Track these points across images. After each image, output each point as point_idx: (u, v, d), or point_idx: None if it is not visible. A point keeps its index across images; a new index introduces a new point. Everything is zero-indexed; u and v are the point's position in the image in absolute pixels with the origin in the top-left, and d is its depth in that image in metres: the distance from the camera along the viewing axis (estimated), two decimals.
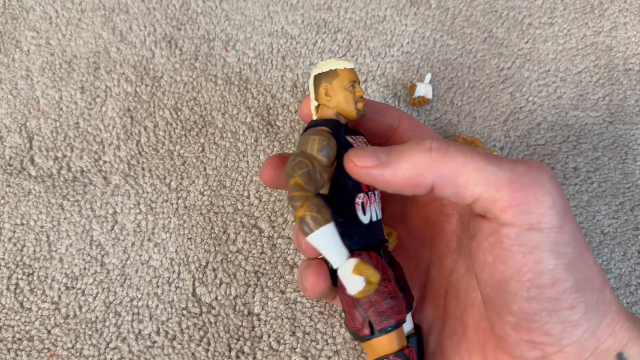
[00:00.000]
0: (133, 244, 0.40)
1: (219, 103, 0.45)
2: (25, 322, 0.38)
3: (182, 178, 0.42)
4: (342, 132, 0.27)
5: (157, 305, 0.38)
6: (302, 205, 0.24)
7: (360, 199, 0.27)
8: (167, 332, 0.38)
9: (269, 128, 0.44)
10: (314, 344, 0.37)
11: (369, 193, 0.28)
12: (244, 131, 0.44)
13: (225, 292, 0.39)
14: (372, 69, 0.46)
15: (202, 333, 0.38)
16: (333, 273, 0.27)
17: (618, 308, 0.23)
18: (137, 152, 0.43)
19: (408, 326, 0.28)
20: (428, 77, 0.44)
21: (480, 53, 0.47)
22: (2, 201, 0.41)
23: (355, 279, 0.23)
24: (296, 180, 0.24)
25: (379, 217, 0.28)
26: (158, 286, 0.39)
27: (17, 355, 0.37)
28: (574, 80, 0.47)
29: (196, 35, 0.47)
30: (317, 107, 0.29)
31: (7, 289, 0.39)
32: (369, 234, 0.27)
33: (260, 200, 0.42)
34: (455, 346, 0.28)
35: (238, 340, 0.38)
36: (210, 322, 0.38)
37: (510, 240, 0.22)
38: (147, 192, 0.42)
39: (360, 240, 0.27)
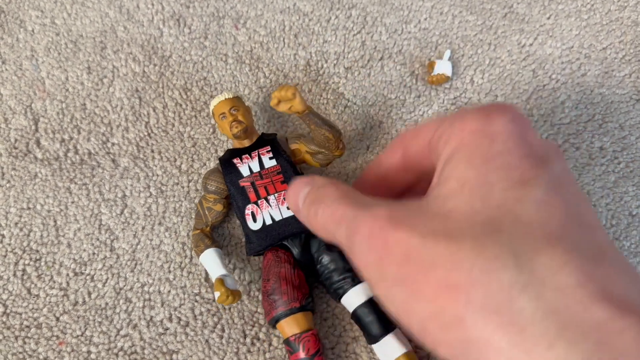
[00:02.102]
0: (143, 228, 0.39)
1: (230, 83, 0.43)
2: (33, 309, 0.37)
3: (192, 160, 0.41)
4: (231, 157, 0.36)
5: (169, 291, 0.37)
6: (192, 241, 0.37)
7: (249, 209, 0.35)
8: (179, 319, 0.36)
9: None
10: (331, 329, 0.36)
11: (260, 201, 0.35)
12: (256, 112, 0.43)
13: (239, 278, 0.37)
14: (389, 46, 0.45)
15: (215, 319, 0.36)
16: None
17: None
18: (146, 133, 0.41)
19: (362, 297, 0.33)
20: (447, 53, 0.43)
21: (501, 29, 0.45)
22: (8, 185, 0.40)
23: (216, 292, 0.33)
24: (193, 231, 0.37)
25: (282, 216, 0.34)
26: (170, 271, 0.37)
27: (25, 342, 0.36)
28: (598, 57, 0.45)
29: (205, 13, 0.46)
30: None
31: (14, 275, 0.38)
32: (262, 237, 0.34)
33: None
34: None
35: (253, 326, 0.36)
36: (224, 308, 0.37)
37: None
38: (157, 175, 0.40)
39: (259, 243, 0.35)
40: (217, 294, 0.33)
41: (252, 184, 0.35)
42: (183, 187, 0.40)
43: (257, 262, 0.38)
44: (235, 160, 0.36)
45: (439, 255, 0.16)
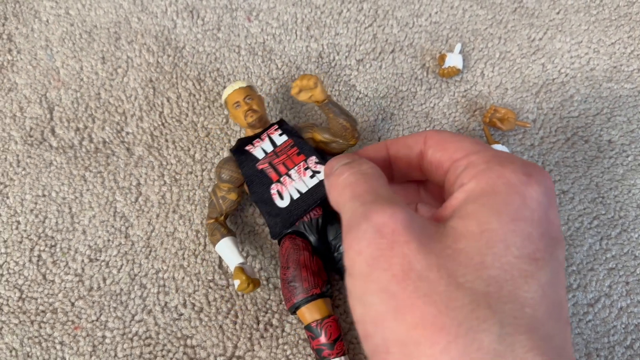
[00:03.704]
0: (158, 215, 0.39)
1: (243, 74, 0.44)
2: (48, 294, 0.37)
3: (206, 150, 0.41)
4: (242, 145, 0.37)
5: (183, 278, 0.37)
6: (209, 234, 0.37)
7: (274, 189, 0.34)
8: (194, 305, 0.37)
9: (294, 100, 0.43)
10: (343, 316, 0.37)
11: (283, 178, 0.35)
12: (268, 103, 0.43)
13: (252, 265, 0.38)
14: (400, 39, 0.45)
15: (229, 305, 0.37)
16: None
17: None
18: (160, 123, 0.42)
19: None
20: (458, 47, 0.43)
21: (511, 23, 0.46)
22: (23, 172, 0.40)
23: (235, 281, 0.33)
24: (207, 221, 0.37)
25: (308, 187, 0.34)
26: (184, 258, 0.38)
27: (40, 327, 0.36)
28: (607, 52, 0.45)
29: (218, 5, 0.46)
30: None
31: (30, 260, 0.38)
32: (290, 212, 0.34)
33: None
34: None
35: (266, 312, 0.37)
36: (238, 295, 0.37)
37: None
38: (171, 164, 0.41)
39: (283, 223, 0.34)
40: (236, 282, 0.33)
41: (270, 164, 0.35)
42: (197, 176, 0.40)
43: (270, 250, 0.38)
44: (247, 147, 0.36)
45: (437, 293, 0.17)
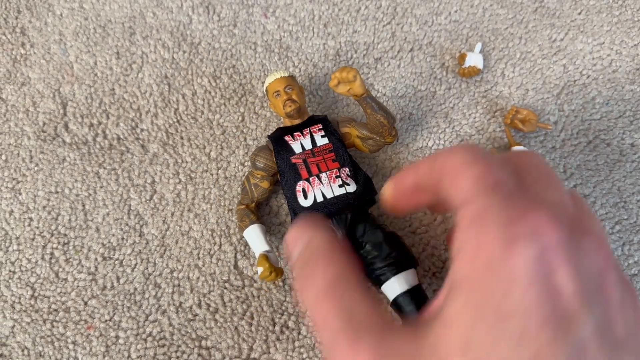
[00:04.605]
0: (173, 214, 0.38)
1: (259, 71, 0.43)
2: (61, 292, 0.37)
3: (222, 148, 0.41)
4: (282, 135, 0.36)
5: (198, 277, 0.37)
6: (236, 216, 0.37)
7: (300, 186, 0.35)
8: (209, 305, 0.36)
9: (311, 98, 0.43)
10: None
11: (312, 178, 0.35)
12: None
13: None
14: (419, 37, 0.44)
15: (245, 306, 0.36)
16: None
17: None
18: (175, 120, 0.41)
19: (404, 285, 0.32)
20: (478, 46, 0.42)
21: (532, 23, 0.45)
22: (36, 168, 0.40)
23: (259, 268, 0.34)
24: (238, 207, 0.37)
25: (334, 194, 0.34)
26: (199, 258, 0.37)
27: (53, 326, 0.36)
28: (630, 54, 0.44)
29: (234, 1, 0.45)
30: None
31: (42, 258, 0.37)
32: (312, 213, 0.33)
33: None
34: None
35: (282, 314, 0.36)
36: (254, 296, 0.36)
37: None
38: (187, 162, 0.40)
39: None
40: (260, 270, 0.33)
41: (304, 161, 0.35)
42: (212, 175, 0.40)
43: (286, 250, 0.38)
44: (287, 138, 0.36)
45: None
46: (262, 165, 0.36)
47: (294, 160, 0.35)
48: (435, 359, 0.15)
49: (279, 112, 0.38)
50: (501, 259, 0.14)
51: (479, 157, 0.17)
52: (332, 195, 0.34)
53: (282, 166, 0.36)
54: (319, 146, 0.36)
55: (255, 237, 0.35)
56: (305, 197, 0.34)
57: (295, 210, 0.35)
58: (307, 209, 0.34)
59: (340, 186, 0.34)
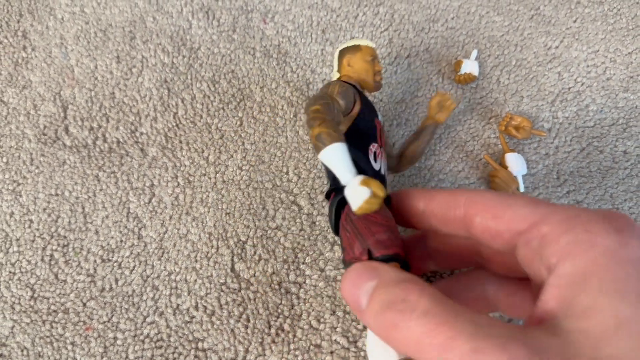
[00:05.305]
0: (171, 217, 0.39)
1: (258, 76, 0.44)
2: (60, 294, 0.37)
3: (220, 152, 0.41)
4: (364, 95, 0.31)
5: (195, 280, 0.37)
6: (320, 124, 0.25)
7: (373, 147, 0.30)
8: (205, 308, 0.37)
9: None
10: (354, 323, 0.36)
11: (381, 148, 0.31)
12: (282, 106, 0.43)
13: (264, 269, 0.38)
14: (416, 44, 0.45)
15: (241, 309, 0.37)
16: (336, 222, 0.28)
17: None
18: (174, 124, 0.42)
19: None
20: (474, 53, 0.43)
21: (527, 31, 0.46)
22: (37, 170, 0.40)
23: (361, 190, 0.23)
24: (317, 107, 0.26)
25: (385, 174, 0.30)
26: (196, 260, 0.38)
27: (52, 327, 0.36)
28: (624, 62, 0.45)
29: (234, 7, 0.46)
30: (339, 79, 0.31)
31: (42, 259, 0.38)
32: (380, 178, 0.28)
33: (300, 177, 0.41)
34: None
35: (278, 317, 0.37)
36: (250, 299, 0.37)
37: None
38: (185, 166, 0.40)
39: None
40: (367, 191, 0.23)
41: (381, 129, 0.32)
42: (210, 178, 0.40)
43: (282, 254, 0.38)
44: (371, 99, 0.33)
45: None
46: (344, 102, 0.28)
47: (375, 121, 0.31)
48: (590, 341, 0.15)
49: (364, 76, 0.33)
50: (620, 245, 0.17)
51: (498, 193, 0.22)
52: (384, 174, 0.30)
53: (362, 117, 0.30)
54: (383, 124, 0.33)
55: (347, 156, 0.25)
56: (375, 160, 0.29)
57: (364, 170, 0.28)
58: (376, 172, 0.29)
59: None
